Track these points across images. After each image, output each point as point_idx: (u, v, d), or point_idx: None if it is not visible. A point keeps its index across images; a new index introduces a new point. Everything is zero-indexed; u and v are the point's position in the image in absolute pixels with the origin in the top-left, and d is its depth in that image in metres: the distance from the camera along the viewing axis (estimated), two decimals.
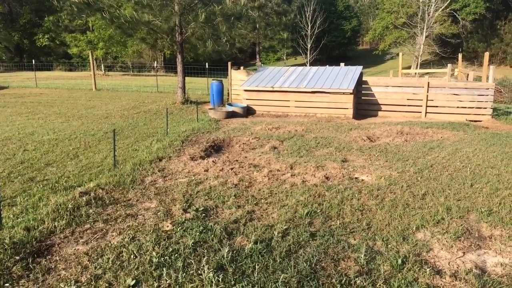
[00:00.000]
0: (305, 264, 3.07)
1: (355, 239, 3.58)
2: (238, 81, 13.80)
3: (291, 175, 5.50)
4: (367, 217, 4.05)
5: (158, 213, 4.12)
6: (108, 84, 21.20)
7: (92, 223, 3.87)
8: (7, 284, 2.84)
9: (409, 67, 38.40)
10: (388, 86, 12.28)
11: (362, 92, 12.46)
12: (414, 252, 3.33)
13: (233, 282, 2.82)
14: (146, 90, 18.86)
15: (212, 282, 2.79)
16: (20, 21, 44.35)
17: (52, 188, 4.98)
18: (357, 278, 2.90)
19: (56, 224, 3.79)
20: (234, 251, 3.27)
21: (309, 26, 42.71)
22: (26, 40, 43.86)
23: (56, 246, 3.42)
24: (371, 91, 12.35)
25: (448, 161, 6.23)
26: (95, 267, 3.04)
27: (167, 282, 2.83)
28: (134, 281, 2.83)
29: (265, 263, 3.11)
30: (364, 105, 12.47)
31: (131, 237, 3.55)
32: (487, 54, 14.14)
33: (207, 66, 18.78)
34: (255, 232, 3.63)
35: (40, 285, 2.85)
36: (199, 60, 28.67)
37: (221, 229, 3.68)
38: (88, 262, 3.13)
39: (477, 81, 13.84)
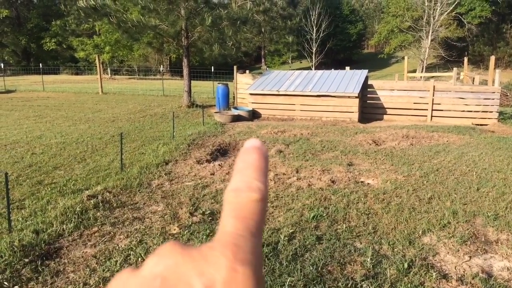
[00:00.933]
0: (311, 268, 3.09)
1: (361, 243, 3.59)
2: (244, 84, 13.84)
3: (297, 179, 5.52)
4: (373, 221, 4.06)
5: (165, 216, 4.15)
6: (115, 88, 21.33)
7: (100, 226, 3.90)
8: (16, 287, 2.87)
9: (414, 71, 38.31)
10: (393, 89, 12.27)
11: (368, 95, 12.45)
12: (420, 256, 3.33)
13: None
14: (152, 94, 18.95)
15: None
16: (27, 25, 44.71)
17: (60, 191, 5.03)
18: (363, 282, 2.92)
19: (64, 227, 3.83)
20: None
21: (314, 30, 42.73)
22: (33, 44, 44.21)
23: (65, 248, 3.46)
24: (377, 94, 12.34)
25: (454, 165, 6.23)
26: (103, 270, 3.07)
27: None
28: None
29: (272, 266, 3.12)
30: (370, 109, 12.46)
31: (138, 240, 3.59)
32: (493, 58, 14.11)
33: (212, 70, 18.85)
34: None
35: (49, 287, 2.88)
36: (205, 63, 28.78)
37: None
38: (96, 265, 3.16)
39: (483, 84, 13.80)
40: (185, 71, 13.77)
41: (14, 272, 3.04)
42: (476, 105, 11.42)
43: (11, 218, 3.85)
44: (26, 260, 3.20)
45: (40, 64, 23.88)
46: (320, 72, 13.61)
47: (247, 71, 15.53)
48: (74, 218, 4.02)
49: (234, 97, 14.36)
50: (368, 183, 5.39)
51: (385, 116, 12.28)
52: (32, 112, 12.50)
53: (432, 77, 21.00)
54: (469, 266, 3.22)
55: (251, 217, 0.28)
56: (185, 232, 3.72)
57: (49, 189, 5.15)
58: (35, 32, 43.80)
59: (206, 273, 0.24)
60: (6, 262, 3.12)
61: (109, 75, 33.62)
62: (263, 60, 53.29)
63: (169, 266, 0.25)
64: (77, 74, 37.90)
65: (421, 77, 24.56)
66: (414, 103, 11.99)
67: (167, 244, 0.26)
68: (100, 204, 4.44)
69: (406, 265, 3.14)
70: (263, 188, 0.29)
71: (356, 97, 11.37)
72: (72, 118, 11.47)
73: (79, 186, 5.26)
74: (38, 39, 43.19)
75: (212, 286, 0.23)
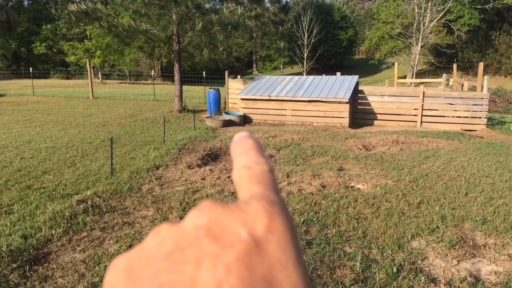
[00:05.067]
0: None
1: (351, 247, 3.60)
2: (235, 89, 13.86)
3: (288, 184, 5.53)
4: (363, 226, 4.09)
5: (155, 221, 4.13)
6: (106, 92, 21.22)
7: (89, 231, 3.88)
8: None
9: (404, 77, 38.63)
10: (384, 95, 12.36)
11: (358, 101, 12.53)
12: (409, 260, 3.36)
13: None
14: (143, 98, 18.88)
15: None
16: (18, 29, 44.40)
17: (49, 196, 4.99)
18: (352, 286, 2.93)
19: (53, 232, 3.80)
20: None
21: (306, 36, 42.94)
22: (23, 48, 43.88)
23: (53, 254, 3.43)
24: (367, 100, 12.43)
25: (443, 170, 6.28)
26: (92, 275, 3.05)
27: None
28: None
29: None
30: (360, 114, 12.54)
31: (128, 245, 3.57)
32: (481, 64, 14.29)
33: (204, 75, 18.84)
34: None
35: None
36: (196, 68, 28.76)
37: None
38: (85, 270, 3.14)
39: (472, 91, 13.96)
40: (177, 76, 13.76)
41: (2, 277, 3.00)
42: (465, 111, 11.55)
43: None
44: (14, 265, 3.17)
45: (30, 68, 23.68)
46: (311, 77, 13.68)
47: (239, 76, 15.55)
48: (63, 223, 3.99)
49: (225, 102, 14.38)
50: (358, 188, 5.42)
51: (375, 122, 12.37)
52: (22, 117, 12.40)
53: (422, 83, 21.20)
54: (457, 270, 3.25)
55: (270, 183, 0.30)
56: None
57: (38, 194, 5.11)
58: (26, 36, 43.48)
59: (248, 223, 0.25)
60: None
61: (100, 79, 33.49)
62: (254, 65, 53.39)
63: (212, 218, 0.26)
64: (67, 78, 37.70)
65: (411, 83, 24.78)
66: (404, 108, 12.10)
67: (206, 201, 0.28)
68: (90, 209, 4.41)
69: (395, 269, 3.16)
70: (269, 162, 0.32)
71: (346, 102, 11.44)
72: (62, 122, 11.39)
73: (68, 191, 5.22)
74: (29, 43, 42.87)
75: (255, 234, 0.25)
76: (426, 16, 39.99)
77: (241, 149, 0.33)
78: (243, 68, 54.27)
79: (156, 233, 0.27)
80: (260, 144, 0.34)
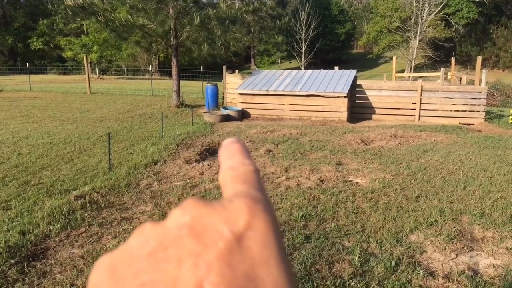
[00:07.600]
0: (300, 267, 3.09)
1: (349, 242, 3.61)
2: (233, 84, 13.82)
3: (286, 178, 5.53)
4: (361, 220, 4.09)
5: (153, 217, 4.13)
6: (103, 88, 21.14)
7: (87, 227, 3.87)
8: None
9: (402, 71, 38.57)
10: (382, 89, 12.35)
11: (356, 95, 12.52)
12: (407, 254, 3.36)
13: None
14: (140, 94, 18.83)
15: None
16: (14, 24, 44.17)
17: (47, 192, 4.98)
18: (351, 280, 2.93)
19: (51, 227, 3.79)
20: None
21: (304, 30, 42.82)
22: (20, 44, 43.70)
23: (51, 249, 3.43)
24: (365, 94, 12.42)
25: (441, 164, 6.29)
26: (91, 271, 3.05)
27: None
28: None
29: None
30: (358, 109, 12.54)
31: (126, 240, 3.56)
32: (479, 58, 14.26)
33: (202, 70, 18.79)
34: None
35: None
36: (194, 63, 28.67)
37: None
38: (83, 266, 3.14)
39: (470, 84, 13.96)
40: (174, 71, 13.71)
41: (0, 273, 3.00)
42: (463, 104, 11.55)
43: None
44: (12, 261, 3.16)
45: (27, 64, 23.54)
46: (309, 72, 13.65)
47: (237, 71, 15.50)
48: (61, 218, 3.98)
49: (223, 97, 14.34)
50: (357, 182, 5.42)
51: (373, 116, 12.36)
52: (19, 112, 12.34)
53: (420, 77, 21.17)
54: (456, 264, 3.26)
55: (254, 182, 0.31)
56: None
57: (36, 189, 5.09)
58: (22, 31, 43.29)
59: (231, 220, 0.26)
60: None
61: (97, 75, 33.31)
62: (252, 60, 53.24)
63: (195, 216, 0.26)
64: (64, 74, 37.49)
65: (409, 77, 24.76)
66: (402, 102, 12.09)
67: (189, 199, 0.28)
68: (88, 204, 4.40)
69: (393, 263, 3.16)
70: (254, 164, 0.33)
71: (345, 97, 11.42)
72: (59, 118, 11.35)
73: (66, 187, 5.21)
74: (25, 38, 42.70)
75: (238, 231, 0.25)
76: (424, 9, 39.91)
77: (227, 153, 0.34)
78: (241, 63, 54.11)
79: (140, 232, 0.27)
80: (246, 148, 0.34)
